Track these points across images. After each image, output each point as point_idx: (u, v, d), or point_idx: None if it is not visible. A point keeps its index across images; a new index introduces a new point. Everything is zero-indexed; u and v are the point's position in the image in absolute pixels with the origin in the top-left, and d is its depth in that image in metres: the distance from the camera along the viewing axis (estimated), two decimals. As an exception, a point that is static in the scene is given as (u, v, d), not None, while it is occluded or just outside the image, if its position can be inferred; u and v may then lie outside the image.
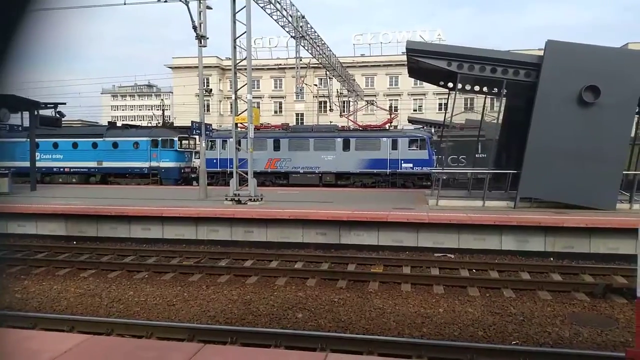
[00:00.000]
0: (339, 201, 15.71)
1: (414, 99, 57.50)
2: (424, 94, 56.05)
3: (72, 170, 27.91)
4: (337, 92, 41.91)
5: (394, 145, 25.09)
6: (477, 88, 15.97)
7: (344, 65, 38.52)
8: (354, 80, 44.57)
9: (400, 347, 5.91)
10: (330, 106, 40.79)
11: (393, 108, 49.35)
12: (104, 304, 8.09)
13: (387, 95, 57.52)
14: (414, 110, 54.98)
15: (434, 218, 11.60)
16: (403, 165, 24.95)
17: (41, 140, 25.84)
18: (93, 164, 27.57)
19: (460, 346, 5.88)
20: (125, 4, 13.97)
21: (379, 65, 56.98)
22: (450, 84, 15.77)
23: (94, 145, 27.65)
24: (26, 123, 21.04)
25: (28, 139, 21.35)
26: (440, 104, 54.88)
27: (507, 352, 5.73)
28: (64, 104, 23.63)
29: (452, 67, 13.42)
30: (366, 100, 45.57)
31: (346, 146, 25.89)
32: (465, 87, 15.70)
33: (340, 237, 12.12)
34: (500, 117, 15.55)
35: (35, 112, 20.51)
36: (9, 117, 19.95)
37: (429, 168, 23.50)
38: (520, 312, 7.45)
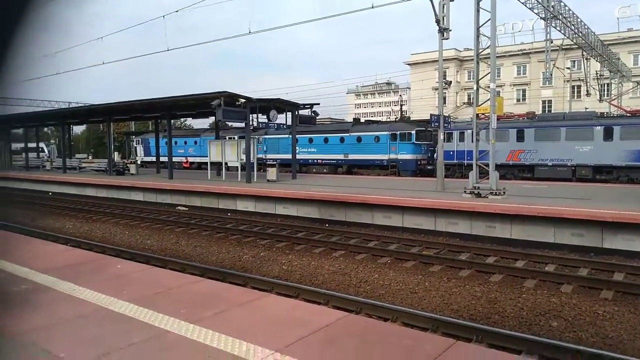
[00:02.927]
0: (599, 198, 13.50)
1: None
2: None
3: (323, 161, 31.46)
4: (597, 74, 35.91)
5: None
6: None
7: (604, 43, 32.77)
8: (619, 59, 37.52)
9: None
10: (587, 90, 35.27)
11: (675, 88, 39.67)
12: (353, 283, 8.81)
13: (666, 73, 46.67)
14: None
15: None
16: None
17: (299, 136, 29.80)
18: (340, 157, 30.51)
19: None
20: (372, 7, 14.77)
21: (653, 39, 46.71)
22: None
23: (341, 139, 30.54)
24: (289, 122, 24.50)
25: (290, 136, 24.89)
26: None
27: None
28: (318, 104, 26.68)
29: None
30: (636, 81, 37.84)
31: (608, 135, 22.09)
32: None
33: (602, 240, 10.41)
34: None
35: (296, 112, 23.79)
36: (277, 117, 23.61)
37: None
38: None
